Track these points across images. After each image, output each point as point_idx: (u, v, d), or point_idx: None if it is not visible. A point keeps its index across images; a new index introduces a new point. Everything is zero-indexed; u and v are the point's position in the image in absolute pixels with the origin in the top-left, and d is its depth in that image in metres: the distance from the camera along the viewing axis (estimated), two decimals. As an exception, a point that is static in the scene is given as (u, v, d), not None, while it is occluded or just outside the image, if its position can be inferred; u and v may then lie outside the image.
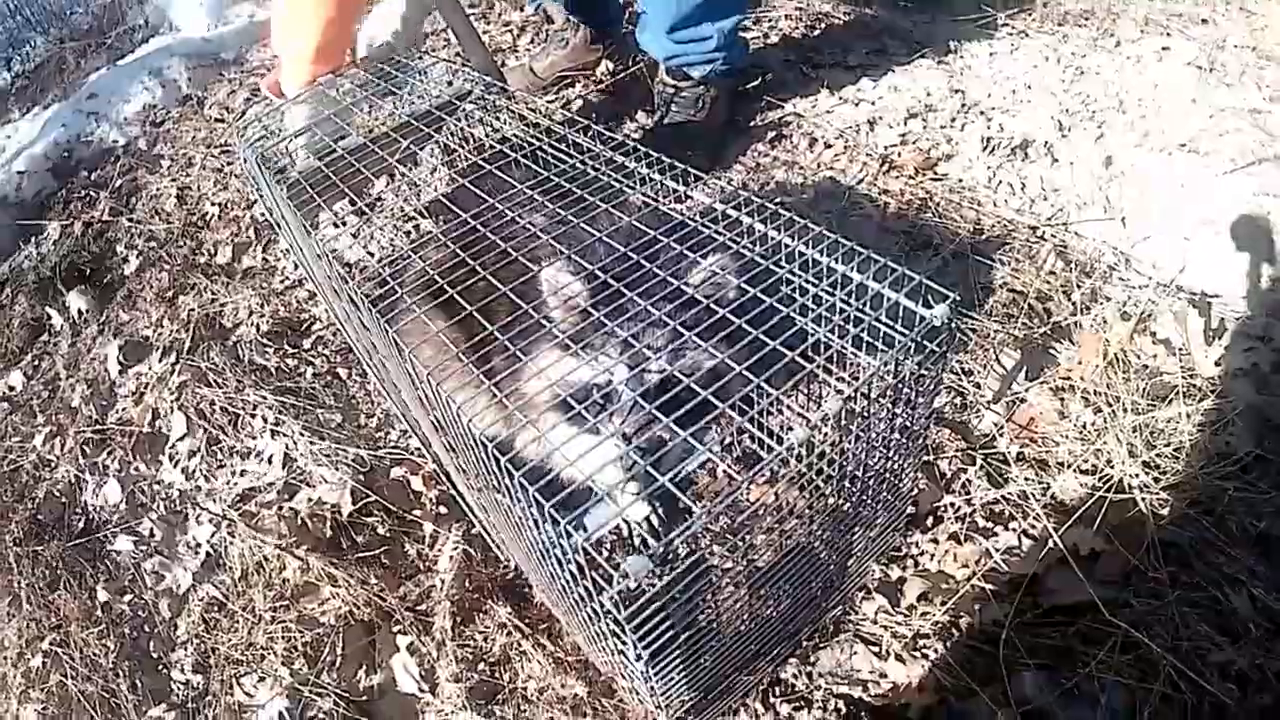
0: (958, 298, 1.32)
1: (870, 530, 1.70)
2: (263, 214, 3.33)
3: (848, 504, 1.48)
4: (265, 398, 2.58)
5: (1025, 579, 1.84)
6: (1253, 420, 2.06)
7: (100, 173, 4.18)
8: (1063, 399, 2.18)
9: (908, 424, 1.45)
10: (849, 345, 1.32)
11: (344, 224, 2.87)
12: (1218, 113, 3.01)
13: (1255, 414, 2.08)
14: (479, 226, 1.57)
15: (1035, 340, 2.27)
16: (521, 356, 1.34)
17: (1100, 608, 1.77)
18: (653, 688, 1.39)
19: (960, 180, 2.82)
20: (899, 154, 2.95)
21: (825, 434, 1.23)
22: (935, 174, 2.85)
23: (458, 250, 1.54)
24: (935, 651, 1.78)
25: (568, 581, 1.26)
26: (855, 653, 1.81)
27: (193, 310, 3.11)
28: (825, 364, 1.28)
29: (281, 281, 3.05)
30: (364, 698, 2.01)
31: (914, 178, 2.83)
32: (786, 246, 1.43)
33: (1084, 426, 2.12)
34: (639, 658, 1.25)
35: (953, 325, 1.35)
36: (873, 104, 3.21)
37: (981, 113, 3.08)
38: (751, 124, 3.24)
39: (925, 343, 1.33)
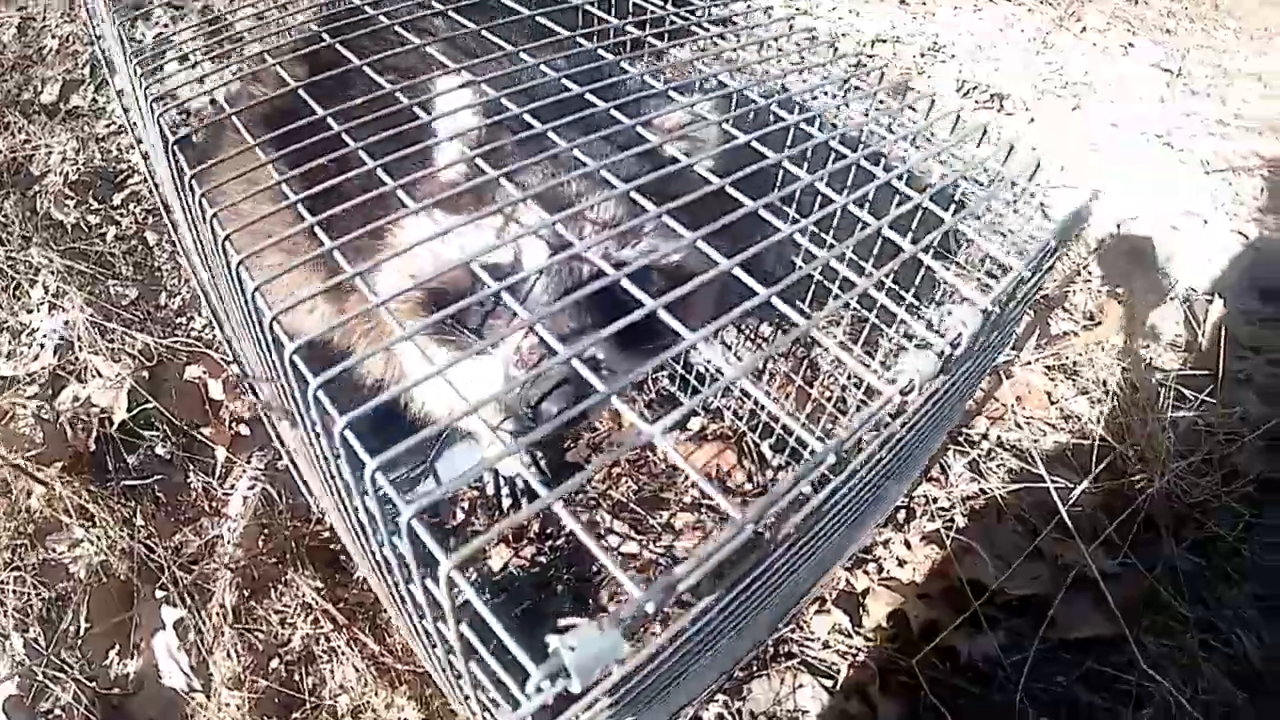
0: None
1: (857, 529, 1.06)
2: (107, 48, 2.41)
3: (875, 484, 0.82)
4: (51, 260, 1.71)
5: (1020, 602, 1.25)
6: (1260, 437, 1.54)
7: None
8: (1054, 380, 1.60)
9: (984, 363, 0.81)
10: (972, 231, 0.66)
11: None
12: (1184, 118, 2.54)
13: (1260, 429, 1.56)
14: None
15: (1036, 304, 1.67)
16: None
17: (1112, 645, 1.22)
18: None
19: (931, 117, 2.21)
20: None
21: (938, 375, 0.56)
22: (905, 104, 2.23)
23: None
24: (910, 691, 1.16)
25: (401, 594, 0.57)
26: (800, 685, 1.18)
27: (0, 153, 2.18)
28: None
29: (107, 126, 2.14)
30: (114, 689, 1.23)
31: (882, 103, 2.20)
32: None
33: (1077, 417, 1.55)
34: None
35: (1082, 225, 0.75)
36: (831, 24, 2.57)
37: (952, 55, 2.49)
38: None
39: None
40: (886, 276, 0.62)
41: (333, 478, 0.55)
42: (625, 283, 0.50)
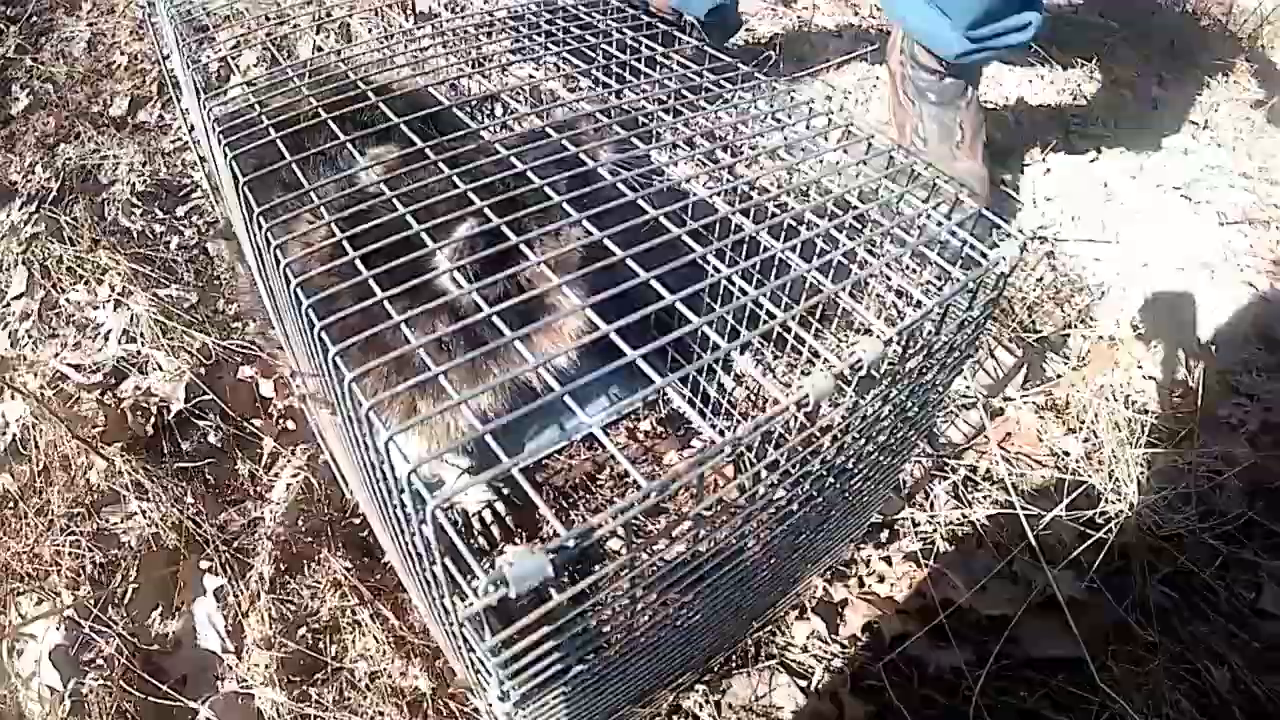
0: (1026, 237, 0.84)
1: (830, 540, 1.20)
2: (173, 70, 2.66)
3: (824, 501, 0.97)
4: (118, 262, 1.93)
5: (991, 620, 1.38)
6: (1244, 479, 1.65)
7: (15, 9, 3.40)
8: (1043, 418, 1.73)
9: (926, 399, 0.95)
10: (893, 264, 0.81)
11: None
12: (1207, 169, 2.65)
13: (1245, 474, 1.67)
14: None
15: (1030, 347, 1.80)
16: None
17: (1078, 666, 1.34)
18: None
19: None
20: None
21: (845, 394, 0.71)
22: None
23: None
24: (877, 694, 1.29)
25: (406, 547, 0.72)
26: (777, 685, 1.31)
27: (69, 160, 2.43)
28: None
29: (173, 142, 2.38)
30: (154, 646, 1.41)
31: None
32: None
33: (1064, 454, 1.67)
34: (504, 696, 0.71)
35: (1017, 267, 0.88)
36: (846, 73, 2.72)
37: (970, 103, 2.62)
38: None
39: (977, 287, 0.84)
40: (807, 312, 0.75)
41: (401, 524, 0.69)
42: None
